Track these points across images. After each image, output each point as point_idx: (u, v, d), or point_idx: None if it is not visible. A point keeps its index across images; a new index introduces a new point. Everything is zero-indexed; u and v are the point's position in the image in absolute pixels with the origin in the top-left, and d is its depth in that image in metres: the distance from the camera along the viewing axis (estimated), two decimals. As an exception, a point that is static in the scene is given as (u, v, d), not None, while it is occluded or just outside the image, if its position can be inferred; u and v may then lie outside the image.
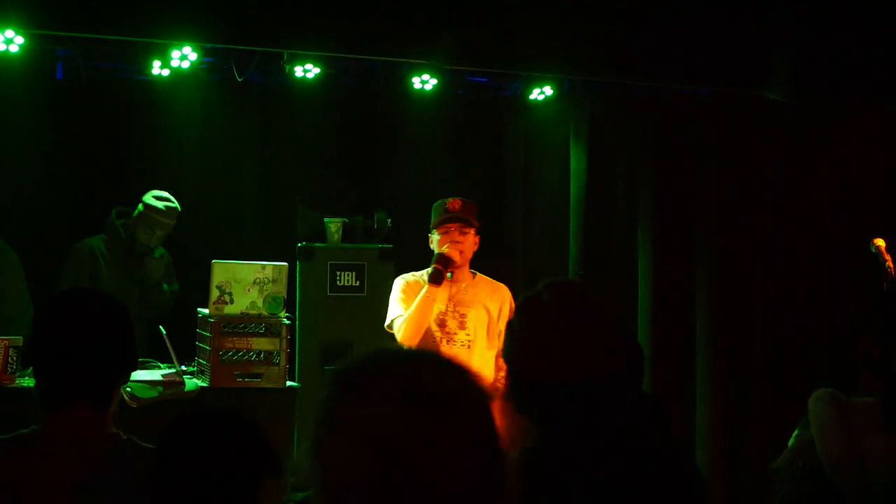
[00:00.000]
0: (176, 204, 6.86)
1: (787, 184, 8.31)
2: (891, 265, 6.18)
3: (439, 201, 6.05)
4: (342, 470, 1.48)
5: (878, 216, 8.22)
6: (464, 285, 5.98)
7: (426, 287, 5.82)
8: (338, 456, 1.49)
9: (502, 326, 5.80)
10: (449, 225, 5.91)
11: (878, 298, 6.25)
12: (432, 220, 5.97)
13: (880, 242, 6.27)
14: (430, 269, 5.84)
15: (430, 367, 1.56)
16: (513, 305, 5.74)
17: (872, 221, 8.03)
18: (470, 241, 5.95)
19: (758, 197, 8.26)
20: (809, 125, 8.32)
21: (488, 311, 5.91)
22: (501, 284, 6.05)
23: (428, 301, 5.81)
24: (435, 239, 5.94)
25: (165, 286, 7.06)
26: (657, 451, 2.64)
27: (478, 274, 6.07)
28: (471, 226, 5.94)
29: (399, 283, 5.99)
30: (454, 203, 6.00)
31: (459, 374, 1.56)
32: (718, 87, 7.94)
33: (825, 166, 8.37)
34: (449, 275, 5.86)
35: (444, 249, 5.85)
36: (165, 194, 6.87)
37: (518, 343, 2.64)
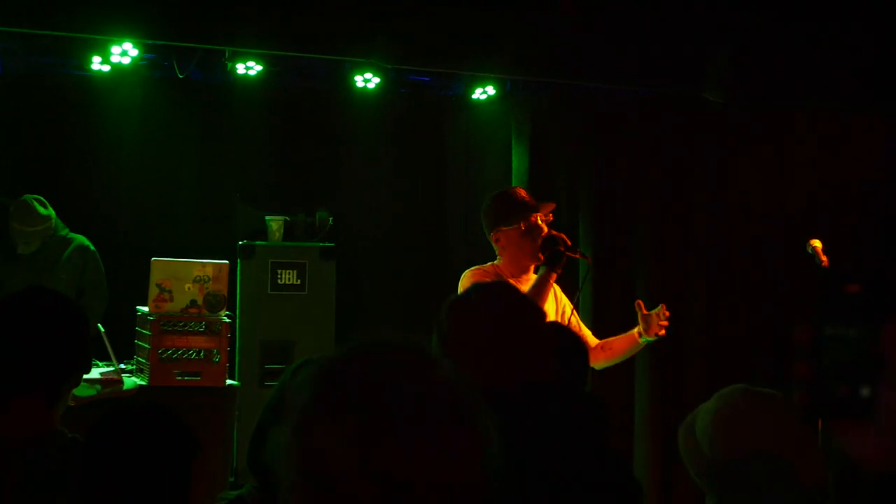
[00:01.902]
0: (37, 209, 6.78)
1: (725, 183, 8.38)
2: (827, 266, 6.24)
3: (501, 193, 5.52)
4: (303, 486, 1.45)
5: (815, 217, 8.32)
6: (530, 279, 5.31)
7: (544, 270, 5.12)
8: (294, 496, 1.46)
9: (568, 312, 5.40)
10: (545, 205, 5.29)
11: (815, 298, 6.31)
12: (502, 214, 5.34)
13: (816, 243, 6.33)
14: (542, 256, 5.18)
15: (402, 374, 1.49)
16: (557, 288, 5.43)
17: (809, 222, 8.13)
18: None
19: (696, 196, 8.33)
20: (747, 126, 8.41)
21: (551, 310, 5.33)
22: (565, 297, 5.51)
23: (547, 287, 5.10)
24: (511, 235, 5.28)
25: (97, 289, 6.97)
26: (589, 456, 2.62)
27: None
28: (549, 211, 5.31)
29: (472, 272, 5.28)
30: (526, 193, 5.41)
31: (431, 377, 1.50)
32: (657, 87, 8.00)
33: (762, 167, 8.45)
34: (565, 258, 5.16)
35: (548, 233, 5.19)
36: (32, 198, 6.79)
37: (446, 346, 2.61)
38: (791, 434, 2.56)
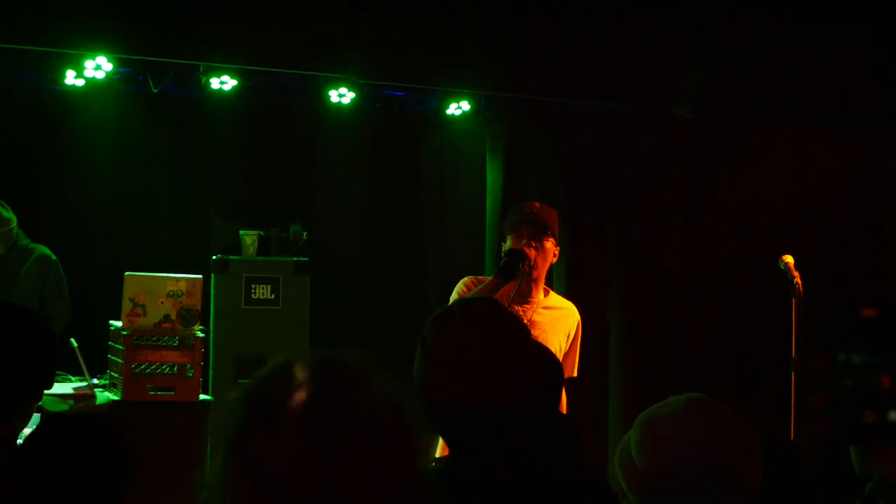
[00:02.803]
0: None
1: (696, 199, 8.43)
2: (799, 281, 6.27)
3: (515, 204, 5.56)
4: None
5: (787, 233, 8.37)
6: (539, 307, 5.29)
7: (492, 278, 5.18)
8: (236, 491, 1.48)
9: (570, 348, 5.38)
10: (522, 229, 5.23)
11: (788, 314, 6.35)
12: (504, 223, 5.44)
13: (789, 259, 6.36)
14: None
15: (334, 384, 1.52)
16: (580, 327, 5.41)
17: (780, 238, 8.18)
18: (549, 248, 5.26)
19: (669, 211, 8.37)
20: (718, 143, 8.46)
21: (559, 340, 5.30)
22: (570, 304, 5.47)
23: (490, 293, 5.03)
24: (507, 246, 5.29)
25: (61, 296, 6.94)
26: (568, 473, 2.63)
27: (551, 292, 5.44)
28: (546, 232, 5.25)
29: (463, 281, 5.31)
30: (531, 206, 5.37)
31: (363, 388, 1.53)
32: (629, 103, 8.04)
33: (734, 183, 8.50)
34: (521, 274, 5.14)
35: (514, 247, 5.19)
36: None
37: (429, 364, 2.59)
38: (728, 445, 2.52)
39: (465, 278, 5.36)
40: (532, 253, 5.18)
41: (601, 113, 8.23)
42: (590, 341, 8.12)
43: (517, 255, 5.17)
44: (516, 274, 5.14)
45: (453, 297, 5.19)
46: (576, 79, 7.68)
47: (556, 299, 5.43)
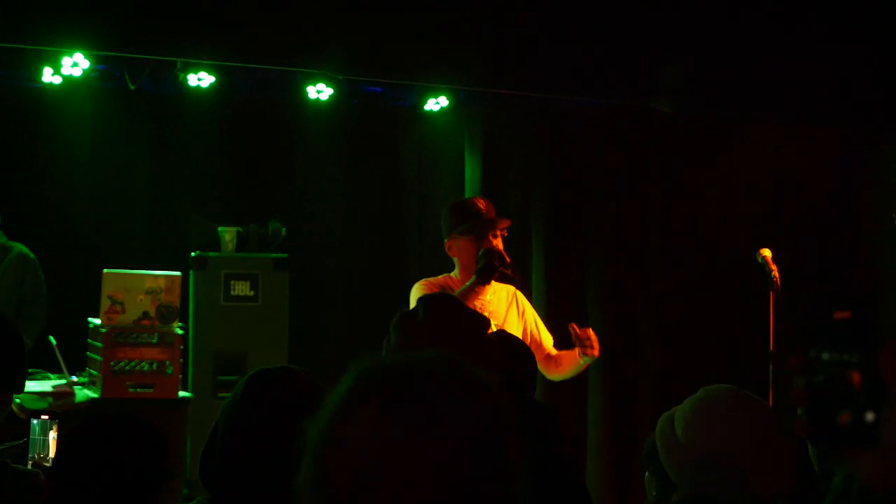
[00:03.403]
0: None
1: (676, 193, 8.46)
2: (776, 275, 6.31)
3: (458, 203, 5.65)
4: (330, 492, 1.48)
5: (764, 227, 8.41)
6: (488, 297, 5.36)
7: (472, 281, 5.21)
8: (327, 477, 1.49)
9: (530, 320, 5.50)
10: (488, 230, 5.35)
11: (766, 307, 6.39)
12: (455, 223, 5.46)
13: (766, 253, 6.40)
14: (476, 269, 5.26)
15: (416, 376, 1.55)
16: (520, 297, 5.53)
17: (758, 232, 8.21)
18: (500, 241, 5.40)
19: (648, 205, 8.39)
20: (697, 137, 8.49)
21: (511, 317, 5.42)
22: (508, 285, 5.54)
23: (473, 296, 5.15)
24: (460, 246, 5.40)
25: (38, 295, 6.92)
26: (541, 464, 2.65)
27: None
28: (504, 227, 5.42)
29: (420, 286, 5.37)
30: (485, 204, 5.48)
31: (447, 378, 1.56)
32: (608, 98, 8.06)
33: (713, 178, 8.53)
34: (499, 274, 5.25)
35: (487, 246, 5.27)
36: None
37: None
38: (768, 438, 2.60)
39: (419, 283, 5.41)
40: (505, 255, 5.28)
41: (580, 108, 8.24)
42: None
43: (494, 256, 5.24)
44: (494, 273, 5.23)
45: (413, 300, 5.19)
46: (554, 74, 7.69)
47: (497, 285, 5.46)
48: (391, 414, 1.48)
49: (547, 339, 5.60)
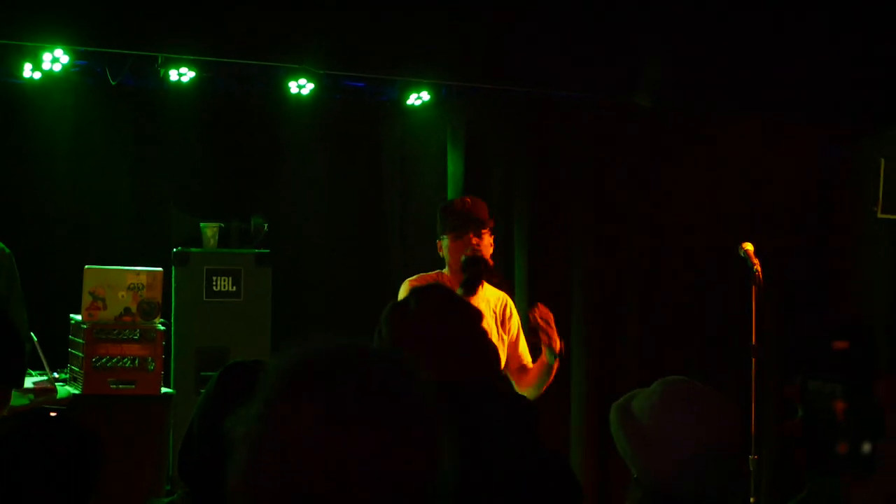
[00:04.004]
0: None
1: (659, 187, 8.47)
2: (758, 269, 6.32)
3: (446, 202, 5.70)
4: (267, 486, 1.48)
5: (747, 221, 8.43)
6: (477, 297, 5.32)
7: (460, 292, 5.19)
8: (261, 463, 1.49)
9: (514, 329, 5.50)
10: (464, 230, 5.37)
11: (748, 300, 6.40)
12: (441, 223, 5.50)
13: (748, 247, 6.41)
14: (461, 276, 5.30)
15: (362, 370, 1.55)
16: (512, 305, 5.56)
17: (741, 226, 8.23)
18: (487, 245, 5.40)
19: (631, 200, 8.41)
20: (678, 131, 8.50)
21: (496, 321, 5.40)
22: (503, 293, 5.57)
23: None
24: (445, 245, 5.45)
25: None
26: (528, 455, 2.66)
27: (485, 283, 5.49)
28: (486, 226, 5.41)
29: (407, 283, 5.38)
30: (463, 202, 5.51)
31: (394, 373, 1.56)
32: (590, 93, 8.07)
33: (695, 172, 8.54)
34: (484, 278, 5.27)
35: (469, 252, 5.29)
36: None
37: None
38: (724, 426, 2.61)
39: (409, 279, 5.44)
40: (486, 253, 5.30)
41: (562, 102, 8.25)
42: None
43: (476, 263, 5.28)
44: (479, 283, 5.26)
45: (401, 296, 5.18)
46: (536, 68, 7.69)
47: (490, 290, 5.49)
48: (314, 408, 1.48)
49: (525, 352, 5.60)
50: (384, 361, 1.58)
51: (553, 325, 5.29)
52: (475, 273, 5.27)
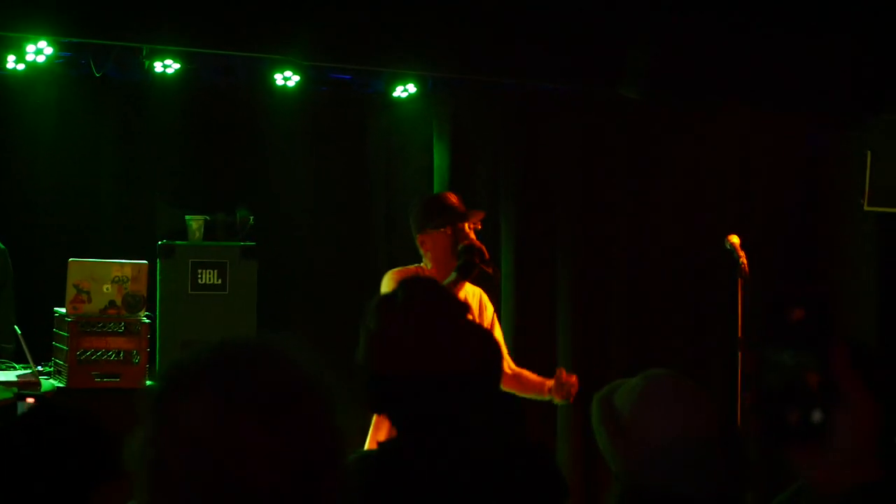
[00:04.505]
0: None
1: (645, 179, 8.47)
2: (745, 261, 6.32)
3: (431, 197, 5.72)
4: (165, 470, 1.51)
5: (733, 213, 8.43)
6: (462, 294, 5.34)
7: (453, 276, 5.21)
8: (161, 455, 1.52)
9: (487, 322, 5.50)
10: (462, 219, 5.40)
11: (734, 293, 6.40)
12: (429, 217, 5.48)
13: (735, 239, 6.42)
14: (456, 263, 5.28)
15: (265, 362, 1.59)
16: (486, 298, 5.60)
17: (727, 218, 8.24)
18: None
19: (618, 192, 8.40)
20: (665, 123, 8.50)
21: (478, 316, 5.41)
22: (478, 288, 5.60)
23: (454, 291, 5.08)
24: (434, 240, 5.44)
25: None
26: (514, 450, 2.65)
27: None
28: (468, 220, 5.45)
29: (390, 275, 5.39)
30: (455, 198, 5.55)
31: (294, 368, 1.58)
32: (576, 85, 8.06)
33: (681, 163, 8.54)
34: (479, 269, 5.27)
35: (467, 242, 5.31)
36: None
37: (372, 343, 2.63)
38: (711, 422, 2.59)
39: (391, 272, 5.43)
40: (483, 248, 5.31)
41: (548, 94, 8.24)
42: (538, 322, 8.20)
43: (475, 253, 5.26)
44: (475, 270, 5.25)
45: (384, 289, 5.18)
46: (522, 60, 7.69)
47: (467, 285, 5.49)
48: (223, 400, 1.51)
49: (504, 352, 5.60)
50: (264, 351, 1.62)
51: (574, 392, 5.39)
52: (471, 262, 5.25)
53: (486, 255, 5.33)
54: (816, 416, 1.49)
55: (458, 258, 5.31)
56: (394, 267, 5.66)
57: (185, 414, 1.51)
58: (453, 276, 5.25)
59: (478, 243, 5.35)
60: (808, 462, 1.54)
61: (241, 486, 1.46)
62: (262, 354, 1.61)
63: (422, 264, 5.52)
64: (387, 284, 5.29)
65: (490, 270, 5.40)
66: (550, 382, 5.45)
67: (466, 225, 5.41)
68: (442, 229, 5.41)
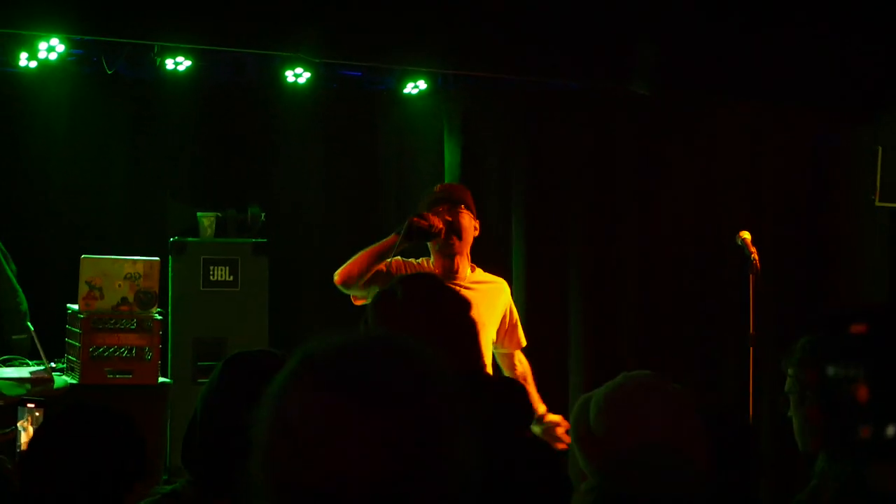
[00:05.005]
0: None
1: (655, 176, 8.46)
2: (756, 257, 6.32)
3: (426, 191, 5.76)
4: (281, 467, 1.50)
5: (743, 210, 8.42)
6: (467, 282, 5.38)
7: (391, 237, 5.32)
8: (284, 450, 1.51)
9: (512, 318, 5.55)
10: (436, 207, 5.39)
11: (746, 289, 6.40)
12: (420, 206, 5.57)
13: (746, 235, 6.42)
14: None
15: (371, 357, 1.57)
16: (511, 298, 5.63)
17: (738, 214, 8.23)
18: (466, 222, 5.42)
19: (627, 188, 8.40)
20: (674, 119, 8.49)
21: (495, 314, 5.44)
22: (499, 278, 5.63)
23: (386, 246, 5.27)
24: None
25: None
26: (519, 449, 2.62)
27: (477, 268, 5.56)
28: (459, 205, 5.42)
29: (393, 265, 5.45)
30: (441, 186, 5.71)
31: (399, 363, 1.57)
32: (587, 81, 8.06)
33: (692, 160, 8.53)
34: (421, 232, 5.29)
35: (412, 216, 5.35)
36: None
37: None
38: (678, 426, 2.55)
39: (390, 261, 5.46)
40: (437, 220, 5.29)
41: (558, 91, 8.24)
42: (550, 318, 8.20)
43: (417, 218, 5.28)
44: (415, 237, 5.28)
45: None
46: (532, 56, 7.69)
47: (483, 274, 5.55)
48: (325, 391, 1.49)
49: (521, 336, 5.64)
50: (391, 351, 1.59)
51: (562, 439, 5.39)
52: (412, 224, 5.25)
53: (434, 223, 5.30)
54: (890, 430, 1.48)
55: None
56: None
57: (291, 417, 1.50)
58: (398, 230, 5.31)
59: (430, 216, 5.32)
60: (889, 475, 1.55)
61: (355, 476, 1.46)
62: (389, 350, 1.59)
63: (429, 259, 5.56)
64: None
65: (424, 224, 5.33)
66: (543, 409, 5.51)
67: (439, 210, 5.39)
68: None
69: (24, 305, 6.78)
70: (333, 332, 1.60)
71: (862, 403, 1.47)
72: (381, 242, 5.33)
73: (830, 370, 1.52)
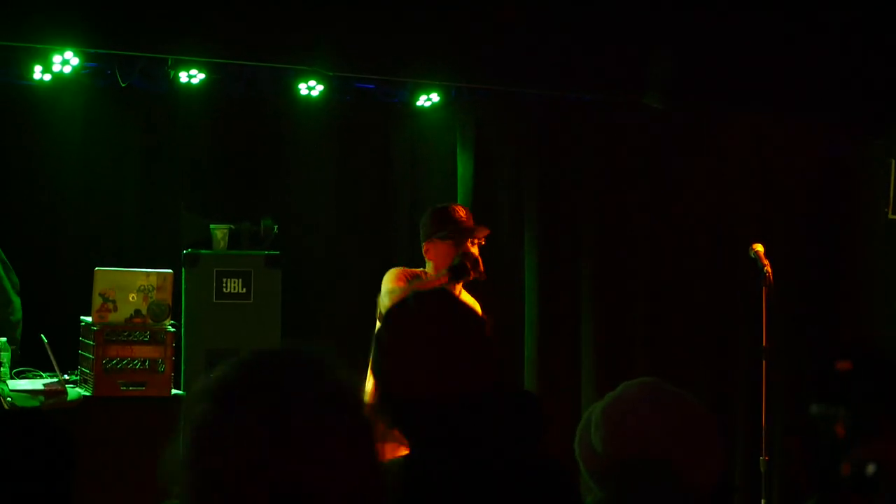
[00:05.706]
0: None
1: (668, 188, 8.46)
2: (769, 270, 6.32)
3: (440, 208, 5.72)
4: (217, 485, 1.57)
5: (756, 222, 8.41)
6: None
7: (441, 273, 5.38)
8: (211, 473, 1.59)
9: None
10: (467, 236, 5.48)
11: (759, 302, 6.39)
12: (436, 228, 5.58)
13: (759, 247, 6.42)
14: (443, 270, 5.40)
15: (301, 372, 1.64)
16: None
17: (751, 227, 8.22)
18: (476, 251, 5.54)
19: (640, 201, 8.40)
20: (688, 132, 8.49)
21: None
22: (475, 301, 5.63)
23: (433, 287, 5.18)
24: (437, 249, 5.55)
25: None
26: (528, 465, 2.59)
27: (463, 290, 5.60)
28: (482, 236, 5.57)
29: (394, 272, 5.52)
30: (466, 212, 5.63)
31: (331, 377, 1.63)
32: (598, 94, 8.06)
33: (704, 172, 8.53)
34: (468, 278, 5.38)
35: (465, 250, 5.43)
36: None
37: (386, 357, 2.60)
38: (684, 434, 2.49)
39: (396, 269, 5.54)
40: (481, 264, 5.42)
41: (571, 103, 8.24)
42: (562, 330, 8.20)
43: (468, 258, 5.38)
44: (465, 274, 5.36)
45: (389, 285, 5.39)
46: (546, 69, 7.70)
47: (467, 297, 5.55)
48: (209, 402, 1.62)
49: None
50: (303, 361, 1.67)
51: None
52: (463, 266, 5.35)
53: (481, 267, 5.41)
54: (870, 468, 1.50)
55: (452, 261, 5.41)
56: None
57: (231, 427, 1.58)
58: (442, 272, 5.38)
59: (476, 255, 5.43)
60: None
61: (288, 490, 1.52)
62: (304, 364, 1.66)
63: (427, 269, 5.59)
64: (389, 281, 5.43)
65: (481, 277, 5.44)
66: None
67: (469, 242, 5.48)
68: (446, 240, 5.50)
69: (17, 315, 6.79)
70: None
71: (826, 438, 1.49)
72: (426, 283, 5.31)
73: (814, 409, 1.53)
